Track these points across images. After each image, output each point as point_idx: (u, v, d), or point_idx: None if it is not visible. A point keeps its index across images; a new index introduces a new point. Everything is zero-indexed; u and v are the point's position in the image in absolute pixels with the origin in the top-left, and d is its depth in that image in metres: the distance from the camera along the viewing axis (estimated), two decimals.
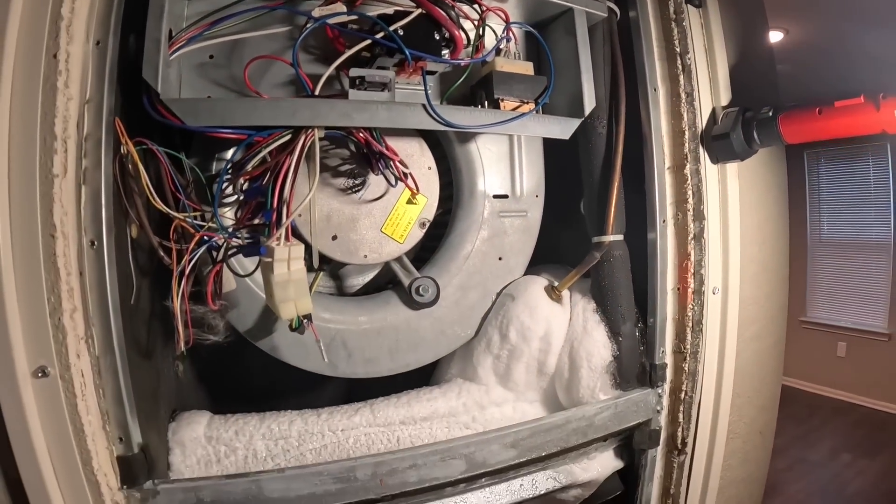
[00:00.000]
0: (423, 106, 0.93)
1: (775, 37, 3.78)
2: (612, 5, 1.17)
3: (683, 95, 1.13)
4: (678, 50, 1.15)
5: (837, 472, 3.88)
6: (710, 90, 1.16)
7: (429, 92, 0.94)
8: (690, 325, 1.12)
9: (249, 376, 1.21)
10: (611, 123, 1.15)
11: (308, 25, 0.93)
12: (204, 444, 1.00)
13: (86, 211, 0.79)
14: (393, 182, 1.01)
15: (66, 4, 0.78)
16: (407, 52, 0.93)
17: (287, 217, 0.89)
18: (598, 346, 1.11)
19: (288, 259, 0.87)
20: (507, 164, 1.19)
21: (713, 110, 1.15)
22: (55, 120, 0.76)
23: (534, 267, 1.24)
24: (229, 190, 0.98)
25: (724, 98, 1.15)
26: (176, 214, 0.88)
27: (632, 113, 1.15)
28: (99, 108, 0.81)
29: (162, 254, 0.88)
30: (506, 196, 1.18)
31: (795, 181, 5.62)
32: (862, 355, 5.28)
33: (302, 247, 0.89)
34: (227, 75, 0.97)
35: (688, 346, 1.12)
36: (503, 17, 1.07)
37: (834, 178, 5.58)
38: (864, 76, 4.39)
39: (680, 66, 1.14)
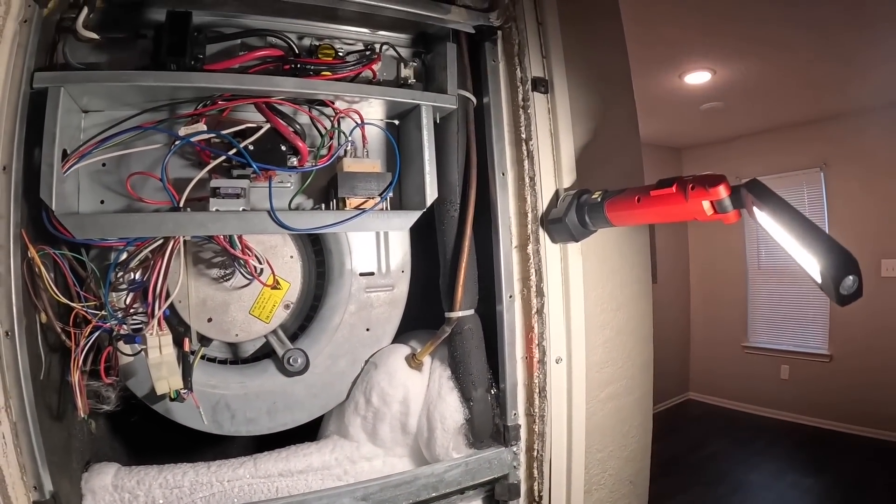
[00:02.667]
0: (268, 213, 1.18)
1: (703, 77, 4.10)
2: (468, 94, 1.38)
3: (527, 179, 1.34)
4: (524, 136, 1.35)
5: (782, 493, 4.14)
6: (554, 173, 1.35)
7: (273, 198, 1.20)
8: (537, 390, 1.33)
9: (164, 430, 1.50)
10: (463, 207, 1.35)
11: (176, 143, 1.20)
12: (111, 491, 1.28)
13: (0, 307, 1.05)
14: (247, 278, 1.26)
15: None
16: (254, 166, 1.19)
17: (159, 309, 1.17)
18: (451, 410, 1.33)
19: (159, 346, 1.15)
20: (373, 244, 1.43)
21: (556, 192, 1.34)
22: None
23: (404, 334, 1.47)
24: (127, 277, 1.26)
25: (568, 180, 1.34)
26: (74, 305, 1.16)
27: (483, 195, 1.37)
28: (7, 223, 1.06)
29: (63, 338, 1.17)
30: (372, 273, 1.42)
31: None
32: (804, 377, 5.72)
33: (170, 336, 1.17)
34: (118, 181, 1.23)
35: (536, 410, 1.33)
36: (358, 118, 1.31)
37: None
38: (782, 107, 5.00)
39: (525, 152, 1.34)
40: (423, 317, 1.51)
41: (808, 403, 5.61)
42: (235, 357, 1.44)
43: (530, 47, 1.38)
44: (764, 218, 1.01)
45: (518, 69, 1.38)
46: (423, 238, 1.47)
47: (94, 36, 1.20)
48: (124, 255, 1.21)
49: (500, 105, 1.39)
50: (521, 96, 1.37)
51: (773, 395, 5.96)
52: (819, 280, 0.92)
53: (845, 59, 3.74)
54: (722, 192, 1.04)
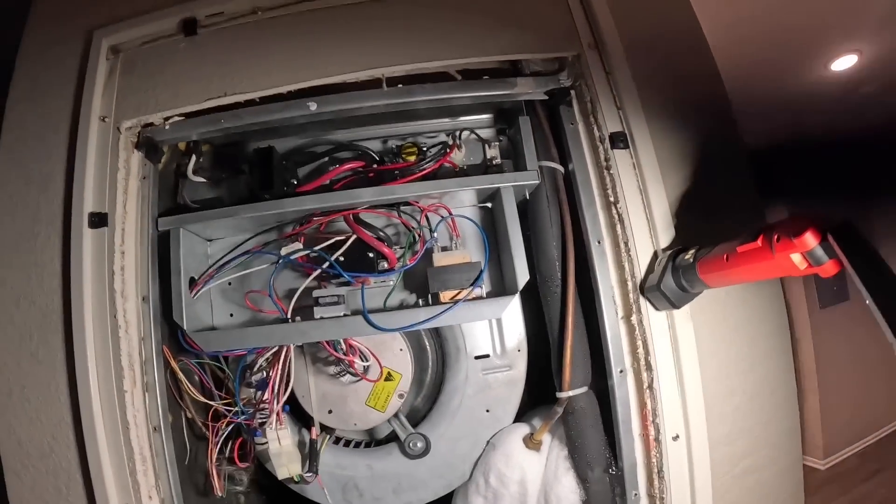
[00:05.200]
0: (363, 316, 1.30)
1: (849, 61, 3.74)
2: (552, 164, 1.39)
3: (622, 245, 1.30)
4: (611, 199, 1.32)
5: None
6: (650, 233, 1.29)
7: (366, 303, 1.32)
8: (656, 470, 1.28)
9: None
10: (564, 282, 1.36)
11: (279, 262, 1.38)
12: None
13: (150, 408, 1.31)
14: (355, 378, 1.39)
15: (117, 279, 1.31)
16: (346, 276, 1.34)
17: (277, 409, 1.37)
18: (567, 492, 1.34)
19: (277, 438, 1.37)
20: (486, 326, 1.50)
21: (654, 254, 1.28)
22: (121, 357, 1.28)
23: (529, 411, 1.52)
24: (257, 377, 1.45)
25: (665, 239, 1.27)
26: (212, 403, 1.42)
27: (582, 266, 1.36)
28: (150, 342, 1.34)
29: (205, 431, 1.44)
30: (487, 356, 1.49)
31: None
32: None
33: (287, 429, 1.38)
34: (242, 296, 1.46)
35: (656, 492, 1.28)
36: (446, 211, 1.40)
37: None
38: None
39: (616, 216, 1.31)
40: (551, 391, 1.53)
41: None
42: (371, 438, 1.57)
43: (602, 101, 1.35)
44: (852, 271, 0.83)
45: (595, 127, 1.36)
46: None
47: (202, 180, 1.48)
48: (250, 360, 1.42)
49: (586, 169, 1.38)
50: (602, 156, 1.34)
51: None
52: None
53: None
54: (809, 240, 0.86)
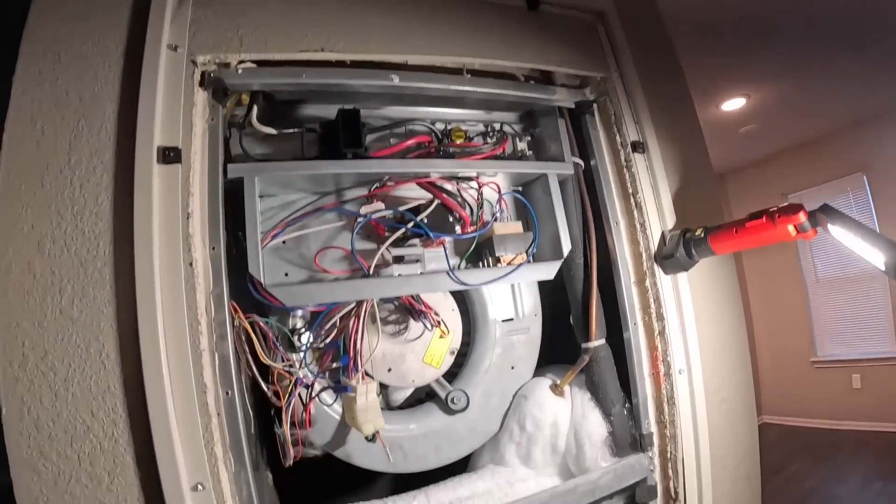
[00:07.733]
0: (447, 273, 1.51)
1: (738, 103, 4.93)
2: (577, 160, 1.77)
3: (638, 226, 1.74)
4: (630, 191, 1.76)
5: (870, 502, 4.46)
6: (659, 218, 1.75)
7: (449, 260, 1.53)
8: (666, 399, 1.69)
9: (324, 478, 1.75)
10: (586, 254, 1.74)
11: (359, 221, 1.51)
12: None
13: (220, 371, 1.27)
14: (430, 329, 1.59)
15: (192, 223, 1.28)
16: (432, 236, 1.53)
17: (361, 364, 1.48)
18: (595, 426, 1.68)
19: (366, 392, 1.46)
20: (509, 294, 1.79)
21: (662, 234, 1.74)
22: (198, 312, 1.24)
23: (540, 368, 1.83)
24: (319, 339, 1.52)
25: (670, 222, 1.74)
26: (277, 366, 1.43)
27: (601, 242, 1.75)
28: (220, 297, 1.31)
29: (270, 395, 1.44)
30: (511, 319, 1.78)
31: None
32: (877, 383, 6.04)
33: (375, 383, 1.50)
34: (297, 255, 1.54)
35: (666, 417, 1.69)
36: (497, 188, 1.68)
37: None
38: (818, 118, 5.64)
39: (633, 203, 1.75)
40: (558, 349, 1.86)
41: (886, 409, 5.90)
42: (387, 403, 1.72)
43: (625, 116, 1.80)
44: (836, 230, 1.42)
45: (618, 135, 1.80)
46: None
47: (272, 131, 1.52)
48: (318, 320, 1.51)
49: (606, 166, 1.80)
50: (623, 158, 1.78)
51: (848, 406, 6.30)
52: (884, 269, 1.35)
53: (881, 64, 4.31)
54: (802, 217, 1.44)
